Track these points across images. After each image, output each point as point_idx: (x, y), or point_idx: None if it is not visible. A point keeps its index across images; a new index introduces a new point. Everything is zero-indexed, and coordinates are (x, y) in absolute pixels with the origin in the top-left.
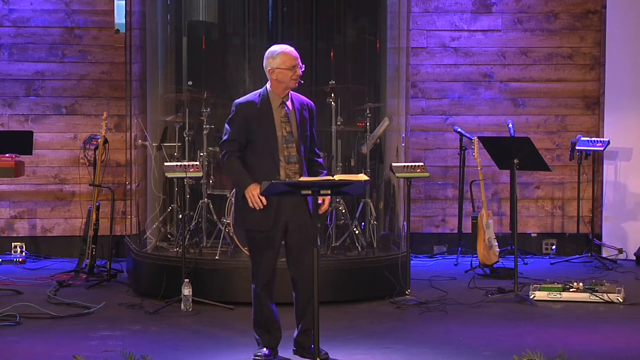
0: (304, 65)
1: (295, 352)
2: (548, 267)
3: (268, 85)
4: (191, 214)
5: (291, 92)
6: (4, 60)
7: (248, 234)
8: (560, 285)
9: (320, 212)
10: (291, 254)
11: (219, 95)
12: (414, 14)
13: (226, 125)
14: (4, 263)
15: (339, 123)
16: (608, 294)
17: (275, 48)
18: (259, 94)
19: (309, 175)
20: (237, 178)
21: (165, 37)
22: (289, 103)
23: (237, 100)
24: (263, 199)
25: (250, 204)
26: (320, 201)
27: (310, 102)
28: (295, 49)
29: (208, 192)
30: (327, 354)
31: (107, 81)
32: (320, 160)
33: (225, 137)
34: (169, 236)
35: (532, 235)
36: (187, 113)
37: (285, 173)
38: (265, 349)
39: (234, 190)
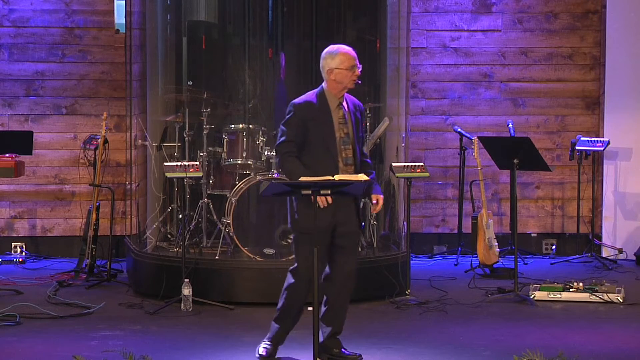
0: (361, 65)
1: (321, 357)
2: (548, 267)
3: (324, 85)
4: (191, 214)
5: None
6: (4, 60)
7: (301, 235)
8: (560, 285)
9: (374, 212)
10: (333, 255)
11: (219, 95)
12: (414, 14)
13: (282, 127)
14: (4, 263)
15: None
16: (608, 294)
17: (334, 48)
18: (316, 95)
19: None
20: (298, 177)
21: (165, 37)
22: (344, 104)
23: (294, 101)
24: (328, 197)
25: (321, 204)
26: (374, 201)
27: (360, 103)
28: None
29: (208, 192)
30: (361, 355)
31: (107, 81)
32: (369, 160)
33: (282, 139)
34: (169, 236)
35: (532, 235)
36: (187, 113)
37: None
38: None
39: (236, 189)
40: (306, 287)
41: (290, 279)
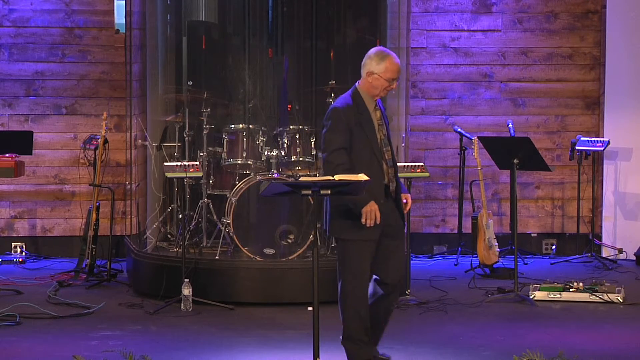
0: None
1: None
2: (548, 267)
3: (360, 85)
4: (191, 214)
5: None
6: (4, 60)
7: (350, 243)
8: (560, 285)
9: (406, 211)
10: (382, 257)
11: (219, 95)
12: (414, 14)
13: (327, 134)
14: (4, 263)
15: None
16: (608, 294)
17: (384, 53)
18: (352, 96)
19: (398, 180)
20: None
21: (165, 37)
22: (377, 105)
23: (336, 105)
24: (379, 215)
25: (364, 221)
26: (404, 200)
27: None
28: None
29: (208, 192)
30: (390, 357)
31: (107, 81)
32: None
33: (332, 148)
34: (169, 236)
35: (532, 235)
36: (187, 113)
37: (388, 178)
38: None
39: (236, 189)
40: (365, 307)
41: (344, 301)
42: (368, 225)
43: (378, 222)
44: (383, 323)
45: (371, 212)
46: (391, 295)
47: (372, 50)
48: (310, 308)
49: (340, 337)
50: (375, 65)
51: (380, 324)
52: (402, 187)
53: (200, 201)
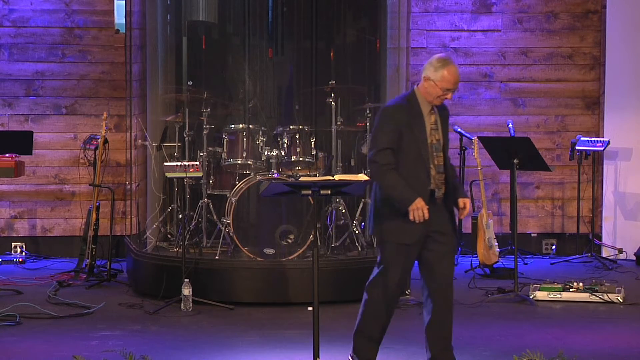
0: (457, 93)
1: None
2: (548, 267)
3: (417, 87)
4: (191, 214)
5: None
6: (4, 60)
7: (388, 245)
8: (560, 285)
9: (462, 217)
10: (428, 264)
11: (219, 95)
12: (414, 14)
13: (375, 133)
14: (4, 263)
15: (339, 123)
16: (608, 294)
17: (444, 62)
18: (407, 98)
19: (451, 186)
20: (400, 192)
21: (165, 37)
22: (434, 109)
23: (386, 105)
24: (427, 213)
25: (412, 217)
26: (462, 205)
27: (447, 107)
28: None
29: (208, 192)
30: None
31: (107, 81)
32: (451, 164)
33: (377, 147)
34: (169, 236)
35: (532, 235)
36: (187, 113)
37: (435, 183)
38: None
39: (236, 189)
40: (390, 308)
41: (373, 295)
42: (417, 222)
43: (426, 218)
44: (445, 332)
45: (418, 210)
46: (437, 306)
47: (435, 56)
48: (310, 308)
49: (354, 330)
50: (433, 72)
51: (442, 331)
52: (460, 190)
53: (200, 201)
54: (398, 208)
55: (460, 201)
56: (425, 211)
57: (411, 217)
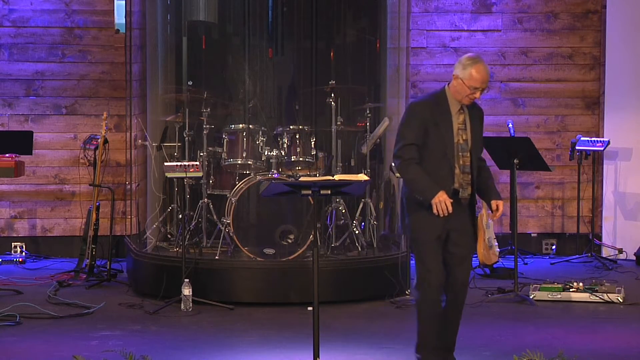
0: (487, 91)
1: None
2: (548, 267)
3: (448, 85)
4: (191, 214)
5: None
6: (4, 60)
7: (416, 243)
8: (560, 285)
9: (494, 218)
10: (445, 266)
11: (219, 95)
12: (414, 14)
13: (400, 128)
14: (4, 263)
15: (339, 123)
16: (608, 294)
17: (473, 60)
18: (436, 95)
19: (481, 185)
20: (422, 185)
21: (165, 37)
22: (465, 109)
23: (413, 101)
24: (450, 206)
25: (436, 211)
26: (494, 207)
27: (481, 107)
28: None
29: (208, 192)
30: None
31: (107, 81)
32: (485, 164)
33: (402, 142)
34: (169, 236)
35: (532, 235)
36: (187, 113)
37: (459, 183)
38: None
39: (236, 189)
40: (435, 308)
41: (417, 295)
42: (442, 216)
43: (450, 211)
44: (450, 330)
45: (441, 203)
46: (449, 303)
47: (466, 55)
48: (310, 308)
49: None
50: (462, 70)
51: (447, 330)
52: (493, 192)
53: (200, 201)
54: (422, 202)
55: (493, 203)
56: (449, 204)
57: (434, 211)
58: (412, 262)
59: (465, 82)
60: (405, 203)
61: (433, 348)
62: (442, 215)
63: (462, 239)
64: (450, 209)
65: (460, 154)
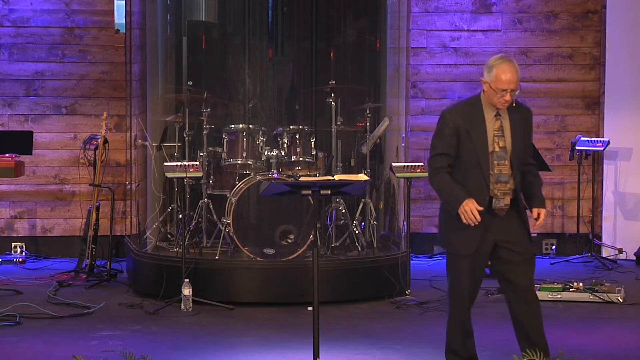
0: (519, 90)
1: None
2: (548, 267)
3: (483, 92)
4: (191, 214)
5: None
6: (4, 60)
7: (449, 255)
8: (560, 285)
9: (534, 227)
10: (500, 273)
11: (219, 95)
12: (414, 14)
13: (433, 138)
14: (4, 263)
15: (339, 123)
16: (608, 294)
17: (496, 62)
18: (470, 102)
19: (525, 190)
20: (449, 194)
21: (165, 37)
22: (504, 113)
23: (446, 109)
24: (477, 214)
25: (464, 220)
26: (535, 215)
27: (526, 107)
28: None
29: (208, 192)
30: None
31: (107, 81)
32: (534, 168)
33: (433, 152)
34: (169, 236)
35: (532, 235)
36: (187, 113)
37: (494, 193)
38: None
39: (236, 189)
40: (462, 320)
41: (448, 307)
42: (472, 225)
43: (478, 219)
44: (533, 336)
45: (466, 212)
46: (522, 302)
47: (493, 56)
48: (310, 308)
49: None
50: (487, 73)
51: (529, 337)
52: (536, 198)
53: (200, 201)
54: (452, 212)
55: (535, 211)
56: (476, 213)
57: (463, 220)
58: (412, 262)
59: (492, 85)
60: (442, 215)
61: (455, 352)
62: (472, 225)
63: (514, 246)
64: (478, 217)
65: (495, 162)
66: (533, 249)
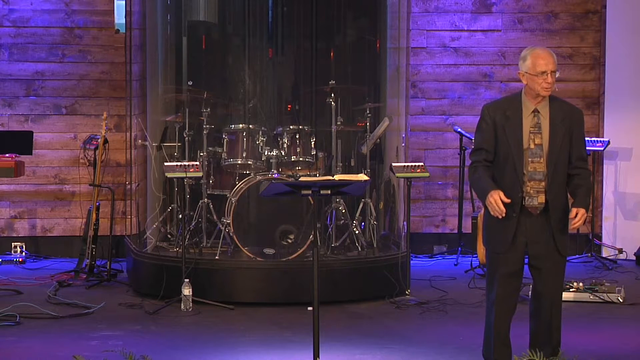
0: (559, 71)
1: None
2: None
3: (524, 89)
4: (191, 214)
5: (552, 97)
6: (4, 60)
7: (488, 253)
8: None
9: (571, 228)
10: (532, 275)
11: (219, 95)
12: (414, 14)
13: (475, 133)
14: (4, 263)
15: (339, 123)
16: (608, 294)
17: (528, 50)
18: (509, 98)
19: (570, 190)
20: (478, 187)
21: (165, 37)
22: (544, 111)
23: (486, 103)
24: (502, 206)
25: (492, 212)
26: (572, 215)
27: (576, 107)
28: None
29: (208, 192)
30: None
31: (107, 81)
32: (585, 172)
33: (474, 146)
34: (169, 236)
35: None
36: (187, 113)
37: (527, 190)
38: None
39: (236, 189)
40: (495, 320)
41: (487, 306)
42: (501, 217)
43: (502, 211)
44: (542, 338)
45: (491, 203)
46: (538, 321)
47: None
48: (310, 308)
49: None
50: (522, 64)
51: (539, 338)
52: (576, 199)
53: (200, 201)
54: (483, 206)
55: (573, 211)
56: (500, 204)
57: (491, 212)
58: (412, 262)
59: (531, 71)
60: (484, 213)
61: (489, 352)
62: (500, 217)
63: (539, 251)
64: (502, 208)
65: (529, 159)
66: (563, 252)
